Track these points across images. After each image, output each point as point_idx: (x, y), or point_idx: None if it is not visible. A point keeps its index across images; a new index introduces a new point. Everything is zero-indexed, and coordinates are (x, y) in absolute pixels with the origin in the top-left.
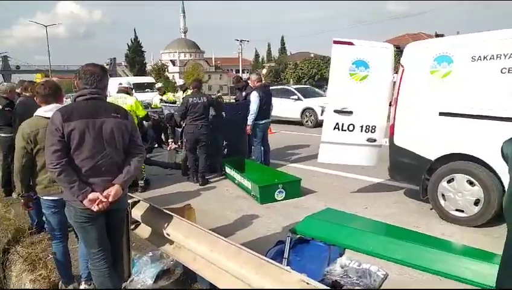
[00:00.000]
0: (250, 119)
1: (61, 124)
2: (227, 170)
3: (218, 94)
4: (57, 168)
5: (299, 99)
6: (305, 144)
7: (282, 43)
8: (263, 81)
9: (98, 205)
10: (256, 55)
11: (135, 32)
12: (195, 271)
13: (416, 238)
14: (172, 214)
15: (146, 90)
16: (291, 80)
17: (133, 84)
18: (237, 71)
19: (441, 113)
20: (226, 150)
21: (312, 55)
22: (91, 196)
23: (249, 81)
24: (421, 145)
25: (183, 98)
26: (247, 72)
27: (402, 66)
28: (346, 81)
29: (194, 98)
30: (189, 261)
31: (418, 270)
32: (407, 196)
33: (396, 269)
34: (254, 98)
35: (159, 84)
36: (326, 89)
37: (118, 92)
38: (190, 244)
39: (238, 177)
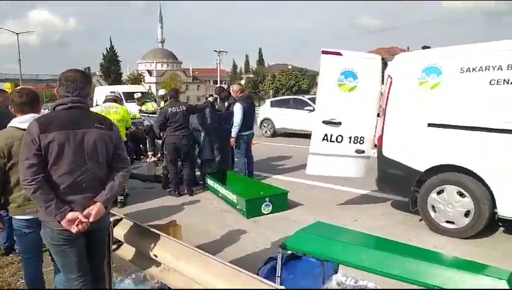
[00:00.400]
0: (234, 131)
1: (38, 136)
2: (210, 182)
3: (210, 98)
4: (32, 184)
5: (314, 110)
6: (287, 155)
7: (260, 55)
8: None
9: (77, 225)
10: (234, 66)
11: (111, 41)
12: None
13: (412, 252)
14: (160, 233)
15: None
16: (270, 91)
17: (123, 93)
18: (215, 82)
19: (429, 124)
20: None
21: (290, 67)
22: (70, 215)
23: (231, 92)
24: (410, 156)
25: (161, 109)
26: (224, 83)
27: (390, 77)
28: (335, 92)
29: (173, 108)
30: (179, 284)
31: (416, 285)
32: (394, 208)
33: (393, 285)
34: (238, 110)
35: (138, 94)
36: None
37: (105, 101)
38: (180, 266)
39: (222, 190)
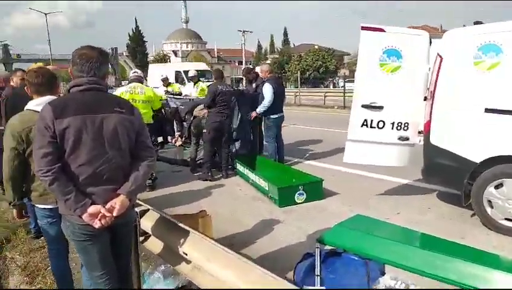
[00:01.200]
0: (262, 109)
1: (52, 121)
2: (239, 167)
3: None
4: (48, 175)
5: None
6: (318, 139)
7: (285, 35)
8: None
9: (100, 220)
10: (259, 47)
11: (136, 22)
12: None
13: (468, 254)
14: (190, 229)
15: (201, 79)
16: (298, 72)
17: (184, 72)
18: (240, 62)
19: (487, 110)
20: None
21: (316, 47)
22: (91, 209)
23: (259, 72)
24: (464, 145)
25: (209, 86)
26: (250, 64)
27: (440, 56)
28: (376, 73)
29: (223, 86)
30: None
31: None
32: (441, 200)
33: None
34: (268, 90)
35: (163, 75)
36: (331, 82)
37: (130, 82)
38: (213, 269)
39: (252, 176)
